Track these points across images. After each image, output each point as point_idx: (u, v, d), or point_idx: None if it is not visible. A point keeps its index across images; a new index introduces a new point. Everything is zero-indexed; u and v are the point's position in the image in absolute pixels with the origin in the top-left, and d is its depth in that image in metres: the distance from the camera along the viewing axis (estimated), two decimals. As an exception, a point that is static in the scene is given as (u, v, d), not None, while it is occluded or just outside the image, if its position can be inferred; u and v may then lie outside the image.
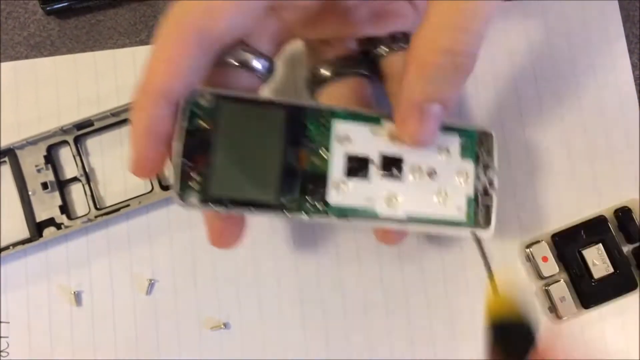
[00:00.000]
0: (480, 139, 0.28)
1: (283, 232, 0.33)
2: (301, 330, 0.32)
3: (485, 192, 0.27)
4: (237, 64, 0.26)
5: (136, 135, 0.24)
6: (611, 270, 0.30)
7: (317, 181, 0.26)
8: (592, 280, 0.30)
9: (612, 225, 0.30)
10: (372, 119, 0.27)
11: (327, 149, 0.27)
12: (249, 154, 0.26)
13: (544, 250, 0.30)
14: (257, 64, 0.27)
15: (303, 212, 0.26)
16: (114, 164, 0.33)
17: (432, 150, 0.27)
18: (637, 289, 0.30)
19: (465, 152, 0.27)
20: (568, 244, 0.30)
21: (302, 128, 0.27)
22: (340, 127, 0.27)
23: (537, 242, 0.31)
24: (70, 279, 0.32)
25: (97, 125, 0.32)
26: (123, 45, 0.34)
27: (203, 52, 0.24)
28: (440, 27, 0.22)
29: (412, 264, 0.33)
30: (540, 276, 0.31)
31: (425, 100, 0.23)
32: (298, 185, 0.26)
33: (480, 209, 0.27)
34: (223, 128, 0.26)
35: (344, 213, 0.26)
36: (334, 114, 0.27)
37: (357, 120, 0.27)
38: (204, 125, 0.26)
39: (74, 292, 0.32)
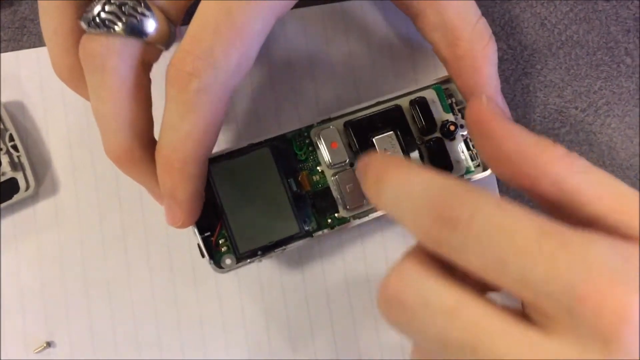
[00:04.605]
0: (445, 89, 0.29)
1: (114, 242, 0.31)
2: (135, 345, 0.31)
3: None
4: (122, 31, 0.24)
5: (183, 200, 0.25)
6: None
7: (325, 195, 0.28)
8: None
9: (408, 116, 0.29)
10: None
11: (320, 163, 0.28)
12: (256, 200, 0.27)
13: (334, 136, 0.28)
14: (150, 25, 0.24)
15: (327, 228, 0.28)
16: None
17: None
18: None
19: (445, 108, 0.29)
20: (361, 131, 0.28)
21: (291, 154, 0.28)
22: (324, 138, 0.28)
23: (328, 127, 0.28)
24: None
25: None
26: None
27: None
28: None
29: (249, 277, 0.31)
30: (328, 164, 0.28)
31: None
32: (310, 207, 0.28)
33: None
34: (222, 188, 0.27)
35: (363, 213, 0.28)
36: (309, 128, 0.28)
37: (332, 122, 0.28)
38: (205, 193, 0.26)
39: None
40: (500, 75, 0.32)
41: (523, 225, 0.18)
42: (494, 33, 0.33)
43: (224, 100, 0.23)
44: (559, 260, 0.17)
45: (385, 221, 0.32)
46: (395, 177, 0.21)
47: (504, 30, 0.33)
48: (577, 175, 0.20)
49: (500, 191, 0.32)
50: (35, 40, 0.33)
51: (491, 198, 0.18)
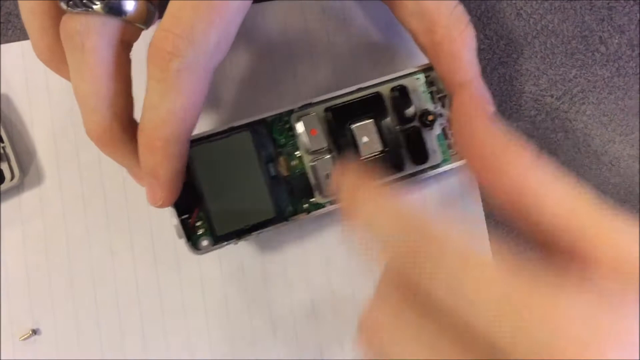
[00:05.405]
0: (426, 77, 0.29)
1: (98, 231, 0.32)
2: (118, 331, 0.32)
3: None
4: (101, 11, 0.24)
5: (165, 180, 0.25)
6: (380, 148, 0.28)
7: (302, 180, 0.29)
8: (360, 157, 0.28)
9: (388, 104, 0.29)
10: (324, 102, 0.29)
11: (299, 148, 0.29)
12: (234, 183, 0.27)
13: (314, 122, 0.28)
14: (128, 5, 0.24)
15: (304, 212, 0.29)
16: None
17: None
18: (404, 171, 0.29)
19: (426, 97, 0.29)
20: (340, 118, 0.28)
21: (270, 138, 0.28)
22: (300, 124, 0.28)
23: (308, 113, 0.28)
24: None
25: None
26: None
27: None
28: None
29: (231, 263, 0.32)
30: (308, 150, 0.28)
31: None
32: (287, 192, 0.29)
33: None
34: (201, 171, 0.27)
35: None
36: (289, 113, 0.28)
37: (312, 108, 0.29)
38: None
39: None
40: (477, 65, 0.33)
41: (488, 287, 0.16)
42: (471, 23, 0.33)
43: (205, 79, 0.23)
44: (525, 321, 0.15)
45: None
46: (364, 205, 0.20)
47: (481, 20, 0.33)
48: (539, 177, 0.19)
49: (480, 187, 0.32)
50: (20, 34, 0.33)
51: (456, 243, 0.17)
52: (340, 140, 0.28)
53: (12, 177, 0.32)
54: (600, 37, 0.33)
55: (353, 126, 0.29)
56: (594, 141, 0.33)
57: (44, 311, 0.31)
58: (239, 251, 0.32)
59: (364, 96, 0.29)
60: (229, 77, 0.33)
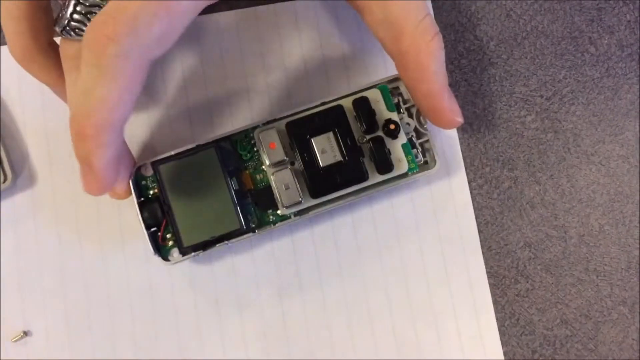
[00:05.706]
0: (394, 87, 0.30)
1: (90, 232, 0.32)
2: (109, 333, 0.32)
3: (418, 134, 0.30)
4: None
5: (98, 169, 0.25)
6: (339, 159, 0.29)
7: (267, 193, 0.29)
8: (320, 169, 0.29)
9: (350, 115, 0.29)
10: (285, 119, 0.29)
11: (262, 162, 0.30)
12: (201, 198, 0.29)
13: (272, 136, 0.29)
14: None
15: (270, 224, 0.30)
16: None
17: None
18: (367, 181, 0.29)
19: (390, 107, 0.30)
20: (300, 131, 0.29)
21: (235, 154, 0.30)
22: (263, 139, 0.29)
23: (268, 128, 0.29)
24: None
25: None
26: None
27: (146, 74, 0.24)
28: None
29: (224, 265, 0.32)
30: (268, 163, 0.29)
31: None
32: (252, 204, 0.30)
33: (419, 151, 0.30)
34: (169, 187, 0.29)
35: (303, 211, 0.29)
36: (254, 129, 0.30)
37: (276, 123, 0.29)
38: (153, 191, 0.30)
39: None
40: (467, 65, 0.33)
41: None
42: (461, 24, 0.33)
43: (141, 69, 0.23)
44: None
45: (337, 214, 0.32)
46: None
47: (471, 21, 0.34)
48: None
49: (470, 187, 0.33)
50: (12, 36, 0.33)
51: None
52: (301, 152, 0.29)
53: (5, 179, 0.32)
54: (590, 37, 0.33)
55: (312, 139, 0.29)
56: (583, 141, 0.33)
57: (35, 312, 0.31)
58: (231, 253, 0.32)
59: (324, 109, 0.30)
60: (196, 94, 0.33)
